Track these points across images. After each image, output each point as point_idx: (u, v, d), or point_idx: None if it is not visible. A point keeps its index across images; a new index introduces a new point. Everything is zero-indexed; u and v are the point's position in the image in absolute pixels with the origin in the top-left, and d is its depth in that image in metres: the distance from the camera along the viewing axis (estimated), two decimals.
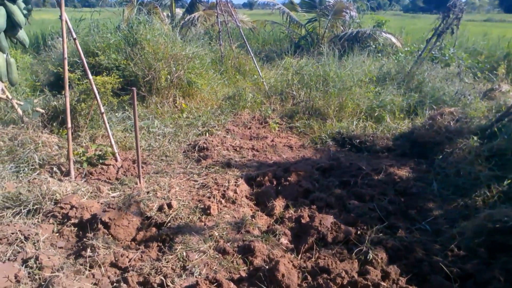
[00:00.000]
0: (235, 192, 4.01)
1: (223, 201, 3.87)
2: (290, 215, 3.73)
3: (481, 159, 4.37)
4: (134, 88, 3.84)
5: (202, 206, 3.74)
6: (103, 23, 8.53)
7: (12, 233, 3.27)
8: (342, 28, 12.98)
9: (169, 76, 6.85)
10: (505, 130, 4.67)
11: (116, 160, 4.86)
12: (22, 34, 5.23)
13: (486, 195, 3.89)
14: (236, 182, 4.23)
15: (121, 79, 6.31)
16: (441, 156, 4.80)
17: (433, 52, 9.43)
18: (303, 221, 3.56)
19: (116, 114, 6.20)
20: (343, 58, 9.08)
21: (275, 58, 11.21)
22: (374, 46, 11.53)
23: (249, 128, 6.24)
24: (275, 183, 4.33)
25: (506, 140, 4.43)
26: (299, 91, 7.20)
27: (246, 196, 4.07)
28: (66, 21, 4.06)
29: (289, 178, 4.32)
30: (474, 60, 10.07)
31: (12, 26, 5.02)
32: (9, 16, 4.94)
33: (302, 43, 13.34)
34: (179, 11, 14.69)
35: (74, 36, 4.29)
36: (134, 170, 4.61)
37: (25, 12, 5.18)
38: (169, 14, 13.78)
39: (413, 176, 4.56)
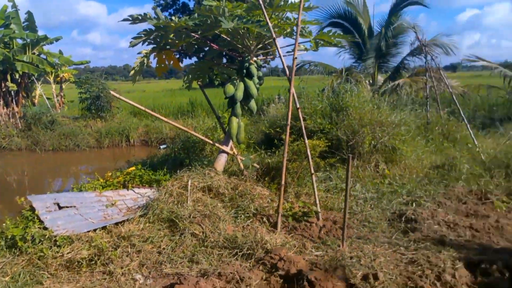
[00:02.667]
0: (453, 276, 3.43)
1: (438, 284, 3.35)
2: None
3: None
4: (350, 155, 3.94)
5: (412, 285, 3.33)
6: (313, 91, 9.37)
7: (231, 273, 3.66)
8: None
9: (373, 142, 6.80)
10: None
11: (318, 219, 4.97)
12: (252, 103, 6.24)
13: None
14: (453, 265, 3.63)
15: (327, 143, 6.64)
16: None
17: None
18: None
19: (317, 173, 6.46)
20: None
21: (495, 125, 9.74)
22: None
23: (464, 203, 5.41)
24: (507, 275, 3.50)
25: None
26: None
27: (467, 284, 3.42)
28: (293, 94, 4.60)
29: None
30: None
31: (246, 97, 6.07)
32: (246, 89, 6.01)
33: None
34: (380, 78, 14.88)
35: (298, 106, 4.81)
36: (336, 232, 4.59)
37: (257, 86, 6.22)
38: (371, 81, 14.09)
39: None
